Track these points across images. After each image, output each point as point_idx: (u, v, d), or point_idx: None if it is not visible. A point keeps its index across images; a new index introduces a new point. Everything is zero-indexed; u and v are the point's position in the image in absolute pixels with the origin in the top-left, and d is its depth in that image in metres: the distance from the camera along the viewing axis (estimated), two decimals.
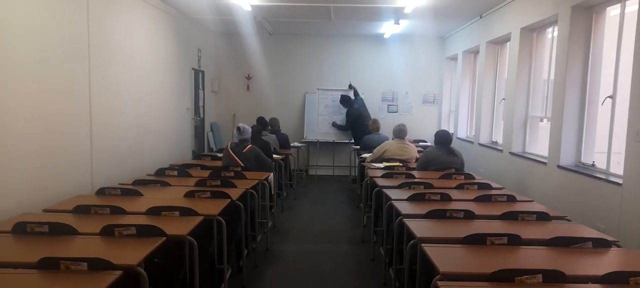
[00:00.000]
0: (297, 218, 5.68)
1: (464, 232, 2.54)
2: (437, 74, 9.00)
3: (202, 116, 7.97)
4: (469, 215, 3.00)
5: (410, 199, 3.47)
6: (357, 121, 7.85)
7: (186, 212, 2.91)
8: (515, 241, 2.49)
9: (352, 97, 8.31)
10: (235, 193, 3.58)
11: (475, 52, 7.44)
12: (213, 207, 3.11)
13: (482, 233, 2.50)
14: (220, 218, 3.00)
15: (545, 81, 5.17)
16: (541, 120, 5.36)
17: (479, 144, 6.64)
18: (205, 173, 4.34)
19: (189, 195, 3.41)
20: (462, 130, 7.65)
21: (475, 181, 4.27)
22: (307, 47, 8.96)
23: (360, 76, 8.79)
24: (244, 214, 3.52)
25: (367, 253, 4.39)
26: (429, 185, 3.99)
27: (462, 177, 4.50)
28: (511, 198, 3.51)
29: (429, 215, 3.00)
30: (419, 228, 2.75)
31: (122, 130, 4.85)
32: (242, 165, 4.76)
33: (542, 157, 4.80)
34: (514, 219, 2.99)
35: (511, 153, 5.41)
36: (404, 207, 3.27)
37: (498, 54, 6.46)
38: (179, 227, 2.66)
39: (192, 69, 7.39)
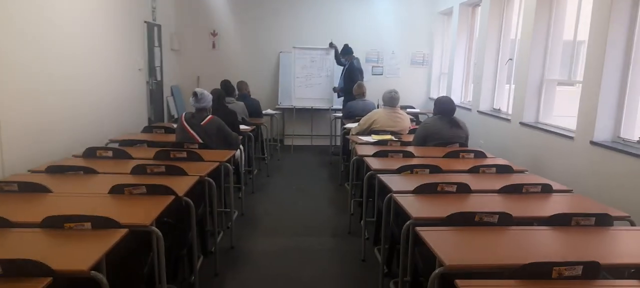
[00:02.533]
0: (270, 201, 4.79)
1: (513, 252, 1.71)
2: (428, 32, 8.07)
3: (159, 78, 6.85)
4: (505, 220, 2.17)
5: (418, 192, 2.62)
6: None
7: (102, 224, 1.97)
8: (590, 273, 1.66)
9: (338, 56, 7.29)
10: (183, 185, 2.65)
11: (475, 4, 6.52)
12: (146, 211, 2.18)
13: (548, 262, 1.66)
14: (155, 229, 2.08)
15: (568, 42, 4.32)
16: (575, 85, 4.54)
17: (478, 111, 5.83)
18: (151, 153, 3.36)
19: (117, 190, 2.45)
20: (456, 95, 6.81)
21: (493, 162, 3.45)
22: None
23: (342, 34, 7.76)
24: (194, 216, 2.59)
25: (356, 250, 3.56)
26: (436, 169, 3.14)
27: (472, 155, 3.68)
28: (548, 188, 2.70)
29: (453, 221, 2.15)
30: (442, 243, 1.90)
31: (47, 100, 3.77)
32: (200, 141, 3.80)
33: (566, 129, 4.01)
34: (567, 224, 2.17)
35: (522, 124, 4.61)
36: (412, 205, 2.42)
37: (504, 6, 5.55)
38: (84, 254, 1.73)
39: (145, 22, 6.21)
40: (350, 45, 7.18)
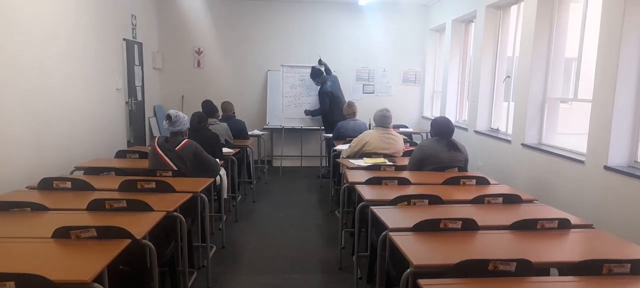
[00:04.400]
0: (254, 232, 4.40)
1: None
2: (420, 49, 7.82)
3: (140, 98, 6.49)
4: (524, 268, 1.81)
5: (418, 229, 2.26)
6: (331, 104, 6.56)
7: (24, 285, 1.58)
8: None
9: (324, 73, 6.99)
10: (146, 223, 2.27)
11: (468, 20, 6.29)
12: (90, 262, 1.80)
13: None
14: (98, 287, 1.69)
15: (571, 59, 4.05)
16: (569, 103, 4.24)
17: (474, 131, 5.53)
18: (118, 183, 2.98)
19: (61, 234, 2.06)
20: (451, 114, 6.52)
21: (498, 190, 3.11)
22: (270, 15, 7.55)
23: (332, 51, 7.50)
24: (155, 261, 2.20)
25: None
26: (435, 199, 2.79)
27: (474, 181, 3.34)
28: (566, 224, 2.36)
29: (462, 271, 1.79)
30: None
31: (9, 121, 3.38)
32: (175, 167, 3.43)
33: (575, 152, 3.69)
34: (599, 273, 1.82)
35: (525, 145, 4.30)
36: (412, 247, 2.06)
37: (500, 23, 5.30)
38: None
39: (124, 39, 5.88)
40: (321, 64, 6.87)
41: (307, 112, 7.08)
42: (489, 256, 1.96)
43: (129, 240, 2.04)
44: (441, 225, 2.28)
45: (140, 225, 2.24)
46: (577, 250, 2.11)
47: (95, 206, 2.51)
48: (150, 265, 2.21)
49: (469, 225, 2.31)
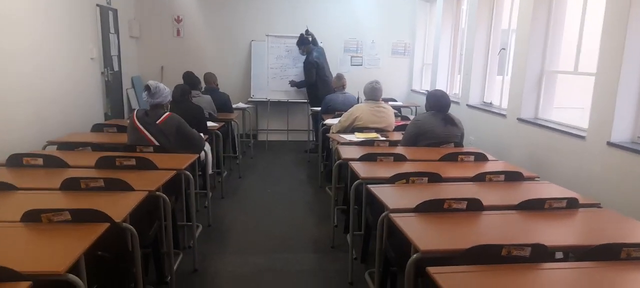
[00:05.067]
0: (241, 209, 4.23)
1: None
2: (410, 20, 7.60)
3: (117, 69, 6.15)
4: (539, 253, 1.69)
5: (421, 210, 2.12)
6: (317, 75, 6.33)
7: None
8: None
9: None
10: (126, 203, 2.08)
11: None
12: (65, 250, 1.60)
13: None
14: (73, 278, 1.51)
15: (571, 29, 3.91)
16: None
17: (467, 105, 5.40)
18: (95, 159, 2.75)
19: (31, 217, 1.85)
20: (441, 87, 6.35)
21: (499, 167, 3.00)
22: None
23: (319, 21, 7.20)
24: (137, 246, 2.02)
25: (341, 270, 3.06)
26: (435, 177, 2.66)
27: (472, 157, 3.22)
28: (574, 203, 2.25)
29: (474, 257, 1.66)
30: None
31: None
32: (156, 143, 3.21)
33: (575, 127, 3.59)
34: (617, 258, 1.71)
35: (521, 119, 4.19)
36: (416, 230, 1.92)
37: None
38: None
39: (97, 5, 5.50)
40: (309, 33, 6.57)
41: (292, 83, 6.83)
42: (499, 239, 1.84)
43: (108, 224, 1.85)
44: (445, 206, 2.14)
45: (119, 207, 2.05)
46: (589, 232, 2.01)
47: (70, 185, 2.29)
48: (132, 250, 2.02)
49: (474, 205, 2.18)
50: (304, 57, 6.49)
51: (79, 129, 4.58)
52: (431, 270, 1.57)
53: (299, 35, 6.57)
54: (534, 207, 2.21)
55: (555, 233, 1.99)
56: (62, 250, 1.62)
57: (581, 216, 2.19)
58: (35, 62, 3.99)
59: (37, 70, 4.01)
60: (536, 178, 2.81)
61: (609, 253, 1.71)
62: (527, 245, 1.68)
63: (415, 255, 1.76)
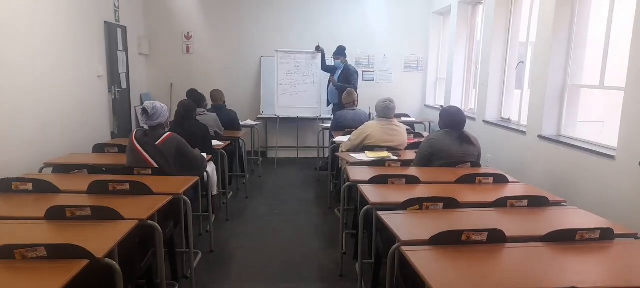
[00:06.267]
0: (246, 232, 4.04)
1: None
2: (422, 33, 7.41)
3: (125, 86, 6.07)
4: None
5: (436, 243, 1.90)
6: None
7: None
8: None
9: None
10: (113, 234, 1.90)
11: (476, 2, 5.89)
12: None
13: None
14: None
15: (595, 41, 3.67)
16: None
17: (483, 121, 5.16)
18: (87, 183, 2.60)
19: (5, 254, 1.68)
20: (456, 102, 6.14)
21: (521, 191, 2.77)
22: None
23: (329, 36, 7.06)
24: (121, 284, 1.84)
25: None
26: (451, 203, 2.43)
27: (491, 179, 2.99)
28: (609, 234, 2.01)
29: None
30: None
31: None
32: (155, 165, 3.05)
33: (602, 146, 3.33)
34: None
35: (541, 137, 3.93)
36: (431, 268, 1.70)
37: (513, 3, 4.90)
38: None
39: (105, 22, 5.44)
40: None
41: (332, 81, 6.25)
42: (525, 280, 1.63)
43: (87, 261, 1.67)
44: (464, 238, 1.92)
45: (105, 239, 1.88)
46: (628, 270, 1.76)
47: (55, 214, 2.13)
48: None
49: (496, 237, 1.95)
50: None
51: (84, 149, 4.47)
52: None
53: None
54: (564, 238, 1.97)
55: (589, 271, 1.75)
56: None
57: (617, 249, 1.94)
58: (38, 80, 3.90)
59: (39, 88, 3.93)
60: (563, 204, 2.56)
61: None
62: None
63: None
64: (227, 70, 7.20)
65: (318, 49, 6.63)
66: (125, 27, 6.05)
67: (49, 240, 1.74)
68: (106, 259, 1.76)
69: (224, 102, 5.48)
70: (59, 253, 1.68)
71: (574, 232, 1.98)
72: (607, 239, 2.00)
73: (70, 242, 1.71)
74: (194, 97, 4.61)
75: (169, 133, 3.16)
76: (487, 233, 1.93)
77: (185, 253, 3.11)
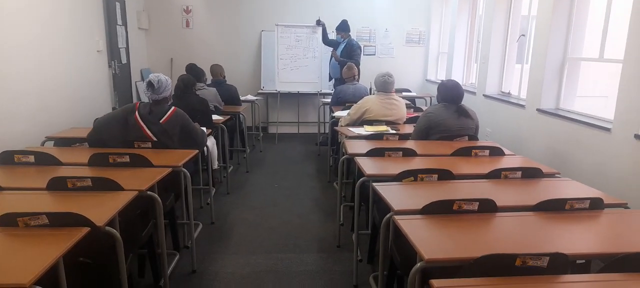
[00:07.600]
0: (246, 205, 4.11)
1: None
2: (425, 7, 7.33)
3: (125, 61, 6.07)
4: (558, 263, 1.50)
5: (428, 212, 1.94)
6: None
7: None
8: None
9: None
10: (113, 204, 1.96)
11: None
12: (36, 259, 1.48)
13: None
14: None
15: (596, 13, 3.63)
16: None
17: (483, 95, 5.16)
18: (88, 156, 2.64)
19: (7, 221, 1.74)
20: (457, 76, 6.12)
21: (516, 163, 2.79)
22: None
23: (330, 9, 7.00)
24: (121, 252, 1.90)
25: (346, 271, 2.91)
26: (446, 174, 2.47)
27: (487, 152, 3.02)
28: (598, 204, 2.04)
29: (485, 267, 1.48)
30: None
31: None
32: (155, 139, 3.08)
33: (599, 119, 3.34)
34: None
35: (540, 110, 3.94)
36: (422, 234, 1.75)
37: None
38: None
39: None
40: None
41: (335, 56, 6.17)
42: (513, 246, 1.67)
43: (88, 229, 1.73)
44: (455, 207, 1.96)
45: (105, 208, 1.93)
46: (615, 237, 1.79)
47: (56, 185, 2.18)
48: (117, 256, 1.90)
49: (487, 206, 1.99)
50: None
51: (84, 123, 4.51)
52: (435, 283, 1.40)
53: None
54: (553, 207, 2.01)
55: (577, 239, 1.79)
56: (34, 259, 1.51)
57: (606, 218, 1.98)
58: (38, 55, 3.91)
59: (40, 63, 3.94)
60: (556, 175, 2.59)
61: (638, 264, 1.51)
62: (545, 254, 1.49)
63: (419, 264, 1.59)
64: (228, 45, 7.17)
65: (319, 22, 6.58)
66: (124, 1, 6.01)
67: (51, 209, 1.79)
68: (107, 227, 1.81)
69: (224, 77, 5.49)
70: (61, 221, 1.73)
71: (563, 201, 2.01)
72: (597, 208, 2.03)
73: (72, 211, 1.76)
74: (193, 72, 4.62)
75: (173, 109, 3.15)
76: (478, 202, 1.97)
77: (186, 225, 3.18)
